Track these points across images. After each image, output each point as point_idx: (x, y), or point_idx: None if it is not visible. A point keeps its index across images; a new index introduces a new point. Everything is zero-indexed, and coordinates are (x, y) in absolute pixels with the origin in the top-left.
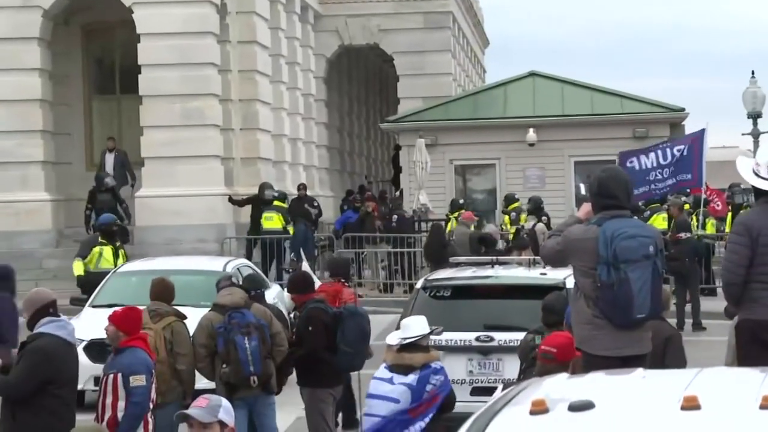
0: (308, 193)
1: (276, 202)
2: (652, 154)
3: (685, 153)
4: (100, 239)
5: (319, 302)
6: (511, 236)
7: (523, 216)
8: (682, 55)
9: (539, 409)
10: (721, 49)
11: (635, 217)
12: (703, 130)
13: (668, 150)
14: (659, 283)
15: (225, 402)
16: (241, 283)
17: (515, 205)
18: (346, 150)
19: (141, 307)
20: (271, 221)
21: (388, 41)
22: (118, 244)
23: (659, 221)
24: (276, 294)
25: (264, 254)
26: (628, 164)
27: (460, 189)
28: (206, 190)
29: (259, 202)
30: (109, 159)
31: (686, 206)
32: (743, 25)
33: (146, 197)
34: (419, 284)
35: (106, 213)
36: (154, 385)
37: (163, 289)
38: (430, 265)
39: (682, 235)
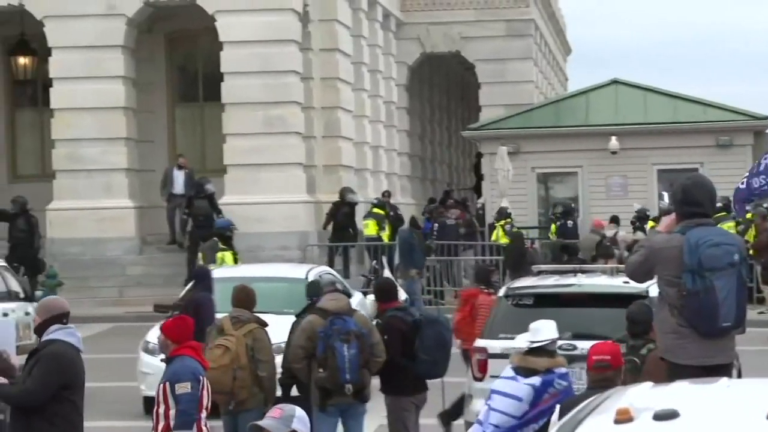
0: (390, 201)
1: (374, 209)
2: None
3: None
4: (220, 245)
5: (398, 310)
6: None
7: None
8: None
9: (624, 418)
10: None
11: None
12: None
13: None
14: (744, 292)
15: (299, 411)
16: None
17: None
18: (428, 157)
19: (223, 315)
20: (367, 228)
21: (469, 49)
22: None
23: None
24: (358, 301)
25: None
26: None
27: (541, 197)
28: (288, 197)
29: (343, 208)
30: (179, 176)
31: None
32: None
33: (229, 204)
34: (502, 292)
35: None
36: (207, 392)
37: (244, 297)
38: (509, 273)
39: None
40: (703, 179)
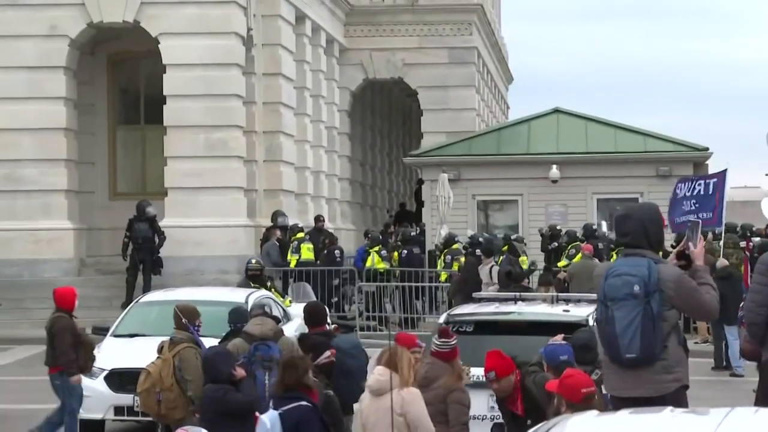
0: (331, 225)
1: (300, 234)
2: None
3: (710, 191)
4: (251, 283)
5: (322, 335)
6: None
7: (462, 258)
8: (709, 94)
9: None
10: (749, 87)
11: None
12: (725, 171)
13: (693, 182)
14: (650, 325)
15: None
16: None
17: (455, 246)
18: (368, 183)
19: (164, 338)
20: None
21: (412, 75)
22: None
23: None
24: (297, 326)
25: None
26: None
27: (481, 224)
28: (229, 221)
29: (275, 231)
30: (274, 247)
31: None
32: None
33: (169, 227)
34: (442, 319)
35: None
36: None
37: (177, 317)
38: (455, 300)
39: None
40: (634, 210)
